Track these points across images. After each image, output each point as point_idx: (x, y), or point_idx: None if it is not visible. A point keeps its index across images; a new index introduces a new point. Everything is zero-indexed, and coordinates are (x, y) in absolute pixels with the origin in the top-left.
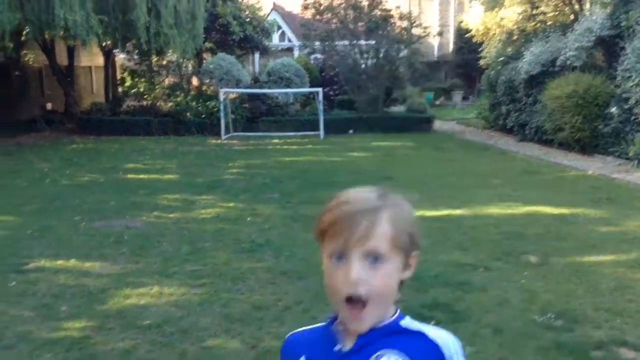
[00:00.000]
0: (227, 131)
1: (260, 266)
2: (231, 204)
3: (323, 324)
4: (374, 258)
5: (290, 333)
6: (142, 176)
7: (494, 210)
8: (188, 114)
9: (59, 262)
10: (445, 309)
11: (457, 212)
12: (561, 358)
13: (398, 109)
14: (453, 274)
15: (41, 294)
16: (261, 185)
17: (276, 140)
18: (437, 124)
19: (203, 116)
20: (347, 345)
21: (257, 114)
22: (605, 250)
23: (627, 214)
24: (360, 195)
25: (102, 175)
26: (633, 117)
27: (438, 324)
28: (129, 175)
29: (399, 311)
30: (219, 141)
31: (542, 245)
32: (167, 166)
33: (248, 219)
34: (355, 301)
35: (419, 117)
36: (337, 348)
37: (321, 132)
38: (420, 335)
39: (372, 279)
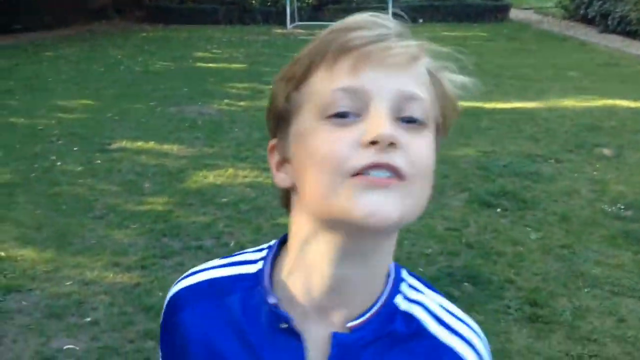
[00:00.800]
0: (292, 20)
1: None
2: None
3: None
4: (410, 120)
5: (182, 285)
6: (210, 65)
7: (570, 103)
8: (254, 1)
9: (139, 143)
10: (512, 197)
11: (531, 104)
12: (627, 246)
13: None
14: (523, 165)
15: (125, 171)
16: None
17: None
18: (513, 13)
19: (269, 4)
20: (312, 347)
21: (323, 2)
22: None
23: None
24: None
25: (173, 63)
26: None
27: (505, 211)
28: (198, 64)
29: (394, 268)
30: (284, 30)
31: (617, 139)
32: (235, 55)
33: None
34: (382, 166)
35: (494, 4)
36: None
37: None
38: (439, 346)
39: (412, 145)
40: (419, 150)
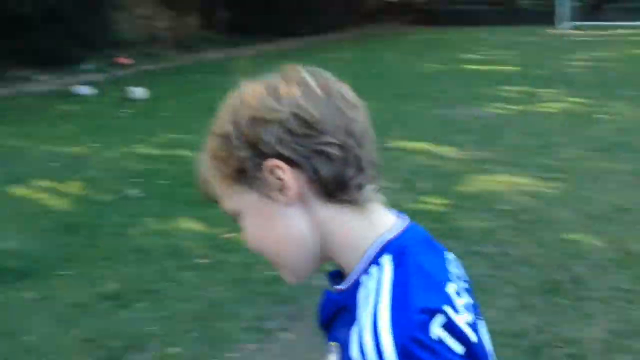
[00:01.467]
0: (567, 19)
1: (619, 168)
2: (578, 99)
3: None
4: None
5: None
6: (480, 67)
7: None
8: (522, 1)
9: (415, 143)
10: None
11: None
12: None
13: None
14: None
15: (403, 169)
16: (613, 80)
17: (624, 31)
18: None
19: (539, 4)
20: None
21: (602, 0)
22: None
23: None
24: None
25: (442, 65)
26: None
27: None
28: (467, 66)
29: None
30: (555, 31)
31: None
32: (504, 57)
33: (599, 116)
34: None
35: None
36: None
37: None
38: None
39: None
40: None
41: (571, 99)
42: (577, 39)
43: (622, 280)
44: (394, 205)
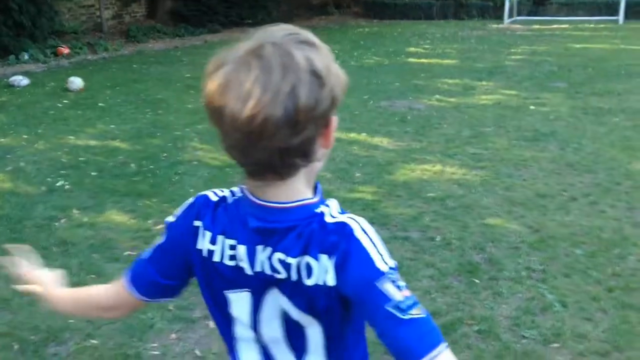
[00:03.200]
0: (510, 15)
1: (544, 156)
2: (513, 92)
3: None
4: None
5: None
6: (422, 60)
7: None
8: None
9: (352, 134)
10: None
11: None
12: None
13: None
14: None
15: (338, 160)
16: (547, 73)
17: (565, 26)
18: None
19: None
20: None
21: None
22: None
23: None
24: None
25: (386, 58)
26: None
27: None
28: (411, 59)
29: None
30: (501, 25)
31: None
32: (447, 51)
33: (531, 107)
34: None
35: None
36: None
37: (620, 17)
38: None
39: None
40: None
41: (506, 91)
42: (520, 33)
43: (535, 261)
44: (330, 194)
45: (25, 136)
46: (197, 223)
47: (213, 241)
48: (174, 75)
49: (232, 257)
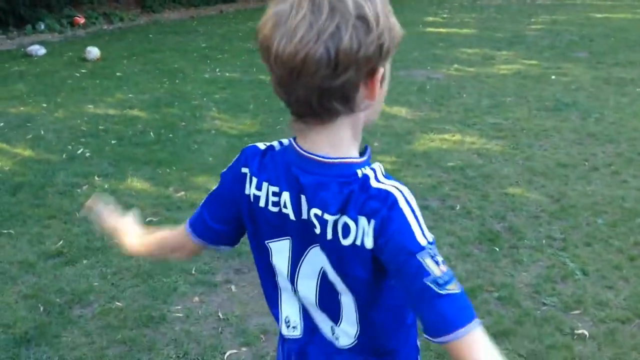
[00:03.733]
0: None
1: (566, 126)
2: (533, 61)
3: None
4: None
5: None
6: (441, 29)
7: None
8: None
9: None
10: None
11: None
12: None
13: None
14: None
15: None
16: (568, 43)
17: None
18: None
19: None
20: None
21: None
22: None
23: None
24: None
25: (404, 27)
26: None
27: None
28: (429, 29)
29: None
30: None
31: None
32: (466, 20)
33: (552, 77)
34: None
35: None
36: None
37: None
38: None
39: None
40: None
41: (526, 61)
42: (540, 2)
43: (555, 230)
44: None
45: (45, 105)
46: (245, 170)
47: (259, 187)
48: (190, 45)
49: (276, 204)
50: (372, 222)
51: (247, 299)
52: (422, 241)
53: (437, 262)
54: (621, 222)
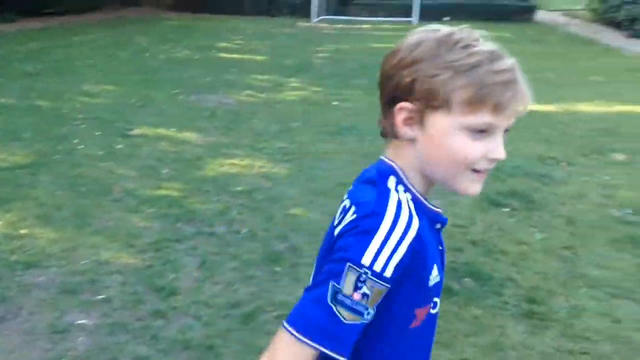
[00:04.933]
0: (318, 14)
1: (345, 148)
2: (319, 88)
3: (408, 202)
4: (505, 131)
5: (417, 225)
6: (234, 55)
7: (589, 107)
8: None
9: (160, 130)
10: (521, 198)
11: (549, 107)
12: (631, 250)
13: None
14: (535, 166)
15: (145, 156)
16: (349, 70)
17: (367, 26)
18: (540, 15)
19: None
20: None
21: None
22: None
23: None
24: (516, 64)
25: (197, 52)
26: None
27: (512, 211)
28: (222, 54)
29: None
30: (309, 24)
31: (632, 145)
32: (259, 47)
33: (334, 103)
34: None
35: (520, 5)
36: (437, 226)
37: (415, 18)
38: None
39: None
40: None
41: (312, 88)
42: (326, 32)
43: None
44: (134, 192)
45: None
46: None
47: None
48: None
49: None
50: (353, 215)
51: (11, 347)
52: (366, 260)
53: (357, 287)
54: None
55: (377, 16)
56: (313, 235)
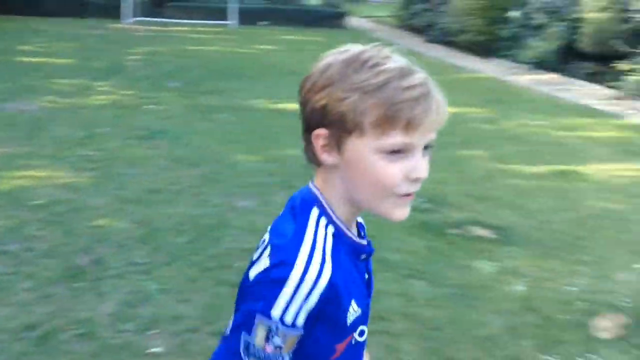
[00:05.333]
0: (131, 15)
1: (156, 153)
2: (130, 91)
3: (327, 235)
4: (425, 148)
5: (329, 274)
6: (36, 59)
7: None
8: None
9: None
10: None
11: None
12: (423, 234)
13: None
14: None
15: None
16: (164, 73)
17: (184, 28)
18: (352, 21)
19: None
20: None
21: None
22: (482, 145)
23: (510, 114)
24: (427, 78)
25: None
26: (532, 22)
27: None
28: (22, 58)
29: None
30: (121, 25)
31: None
32: (64, 49)
33: (147, 106)
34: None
35: (332, 11)
36: (363, 257)
37: (234, 21)
38: None
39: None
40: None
41: (123, 92)
42: (139, 34)
43: (140, 255)
44: None
45: None
46: None
47: None
48: None
49: None
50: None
51: None
52: (276, 313)
53: (268, 339)
54: (199, 238)
55: (193, 19)
56: (120, 246)
